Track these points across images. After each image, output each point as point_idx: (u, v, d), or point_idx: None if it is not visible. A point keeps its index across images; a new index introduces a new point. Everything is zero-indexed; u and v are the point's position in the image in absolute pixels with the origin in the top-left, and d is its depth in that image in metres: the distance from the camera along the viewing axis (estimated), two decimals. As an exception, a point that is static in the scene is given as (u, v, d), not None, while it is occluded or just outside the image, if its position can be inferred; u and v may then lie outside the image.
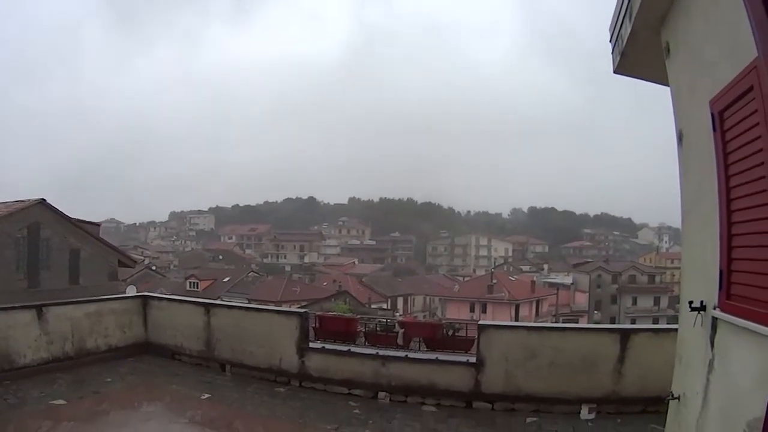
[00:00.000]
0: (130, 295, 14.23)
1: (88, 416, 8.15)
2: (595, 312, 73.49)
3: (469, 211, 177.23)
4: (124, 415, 8.38)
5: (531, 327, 9.77)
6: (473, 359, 8.86)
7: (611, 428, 7.52)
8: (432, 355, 9.52)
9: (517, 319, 53.33)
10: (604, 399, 8.12)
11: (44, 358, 10.36)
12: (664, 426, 5.98)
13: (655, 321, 60.27)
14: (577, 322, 55.30)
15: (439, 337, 10.21)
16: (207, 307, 11.64)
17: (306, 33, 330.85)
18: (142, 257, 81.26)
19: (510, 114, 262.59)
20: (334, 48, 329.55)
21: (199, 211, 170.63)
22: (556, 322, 52.16)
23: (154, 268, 76.39)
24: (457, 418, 8.16)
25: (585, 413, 7.95)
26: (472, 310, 62.20)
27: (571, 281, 79.23)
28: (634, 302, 76.33)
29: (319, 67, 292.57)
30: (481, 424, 7.88)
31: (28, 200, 23.38)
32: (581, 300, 76.67)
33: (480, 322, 9.36)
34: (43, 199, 23.25)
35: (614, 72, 6.62)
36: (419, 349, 10.27)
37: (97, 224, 28.23)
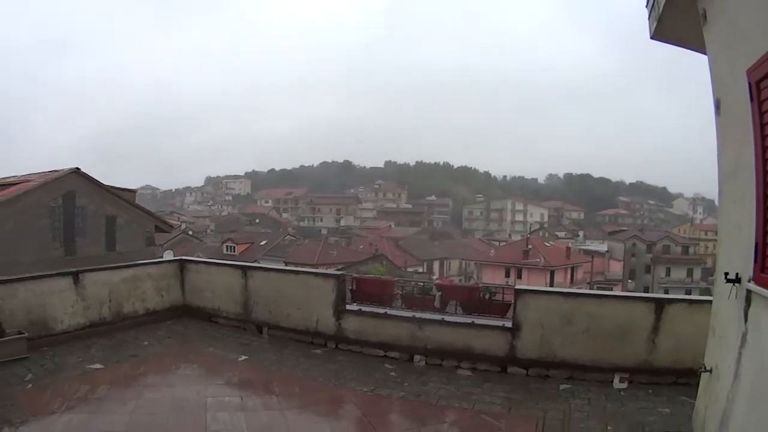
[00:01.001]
0: (167, 259, 14.42)
1: (125, 380, 8.34)
2: (629, 281, 72.81)
3: (505, 176, 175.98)
4: (161, 378, 8.55)
5: (567, 293, 9.61)
6: (509, 324, 8.83)
7: (643, 399, 7.40)
8: (468, 319, 9.47)
9: (551, 286, 52.58)
10: (637, 369, 8.01)
11: (81, 323, 10.59)
12: (695, 399, 5.98)
13: (688, 293, 58.91)
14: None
15: (475, 300, 10.14)
16: (244, 269, 11.74)
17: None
18: (179, 222, 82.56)
19: (546, 79, 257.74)
20: (367, 10, 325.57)
21: (235, 176, 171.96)
22: (590, 290, 51.65)
23: (190, 232, 77.39)
24: (492, 382, 8.14)
25: (617, 382, 7.88)
26: (507, 275, 61.80)
27: (606, 249, 78.42)
28: (668, 273, 75.32)
29: (352, 31, 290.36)
30: (515, 389, 7.84)
31: (63, 170, 23.67)
32: (616, 268, 76.06)
33: (517, 287, 9.27)
34: (77, 168, 23.48)
35: (651, 38, 6.43)
36: (456, 313, 10.20)
37: (133, 191, 28.48)
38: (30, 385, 7.98)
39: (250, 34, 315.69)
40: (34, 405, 7.19)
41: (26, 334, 9.35)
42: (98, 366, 8.89)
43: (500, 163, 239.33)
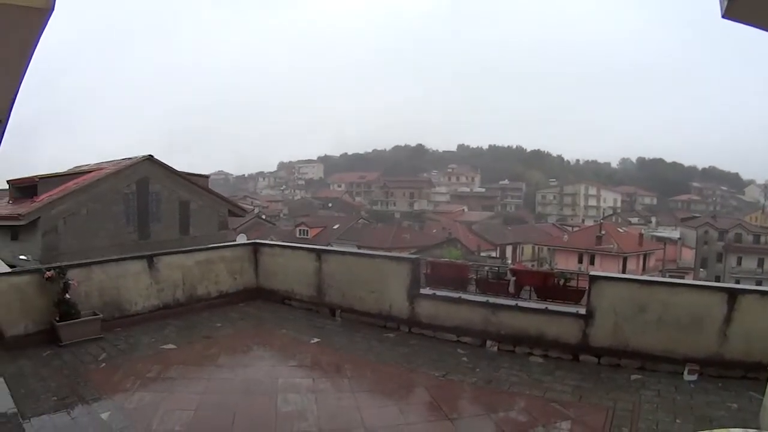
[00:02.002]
0: (240, 242, 14.65)
1: (197, 359, 8.53)
2: (701, 270, 69.93)
3: (578, 160, 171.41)
4: (233, 359, 8.68)
5: (641, 280, 9.21)
6: (582, 311, 8.60)
7: (712, 392, 7.08)
8: (542, 305, 9.27)
9: (624, 273, 51.42)
10: (707, 361, 7.66)
11: (155, 305, 10.93)
12: (763, 395, 5.69)
13: (758, 284, 56.19)
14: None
15: (549, 286, 9.91)
16: (318, 253, 11.80)
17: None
18: (252, 206, 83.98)
19: (618, 60, 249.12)
20: None
21: (308, 161, 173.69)
22: (663, 277, 50.10)
23: (263, 216, 78.51)
24: (563, 370, 7.98)
25: (687, 374, 7.55)
26: (580, 261, 60.87)
27: (678, 236, 75.68)
28: (739, 262, 71.44)
29: (424, 13, 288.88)
30: (586, 378, 7.65)
31: (136, 157, 24.44)
32: (687, 256, 73.13)
33: (591, 273, 8.98)
34: (150, 155, 24.25)
35: (723, 17, 5.94)
36: (529, 298, 10.00)
37: (206, 176, 29.18)
38: (103, 364, 8.27)
39: (322, 18, 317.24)
40: (107, 383, 7.44)
41: (101, 315, 9.70)
42: (171, 346, 9.14)
43: (573, 147, 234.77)
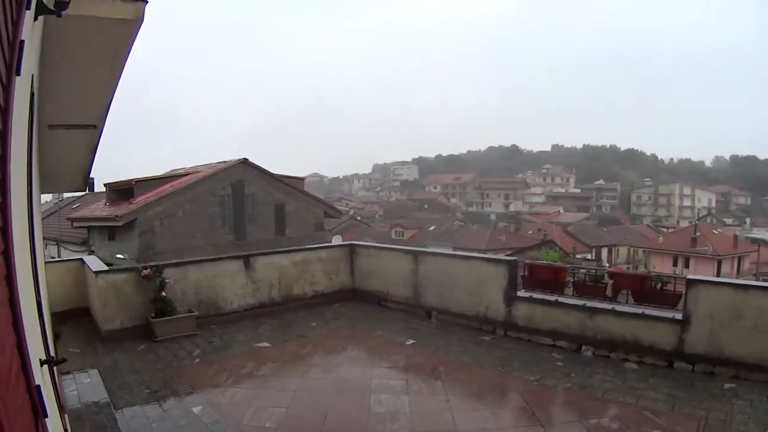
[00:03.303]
0: (337, 243, 14.79)
1: (291, 358, 8.65)
2: None
3: (671, 158, 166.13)
4: (327, 358, 8.75)
5: (738, 284, 8.68)
6: (679, 316, 8.25)
7: None
8: (638, 309, 8.94)
9: (718, 276, 49.07)
10: None
11: (250, 303, 11.24)
12: None
13: None
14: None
15: (646, 290, 9.49)
16: (415, 254, 11.79)
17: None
18: (347, 208, 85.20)
19: (705, 52, 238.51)
20: None
21: (403, 162, 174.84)
22: (756, 281, 47.38)
23: (359, 218, 79.66)
24: (657, 377, 7.71)
25: None
26: (675, 263, 58.59)
27: None
28: None
29: (515, 11, 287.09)
30: (680, 386, 7.35)
31: (231, 160, 25.19)
32: None
33: (688, 276, 8.60)
34: (245, 158, 24.97)
35: None
36: (626, 302, 9.63)
37: (302, 179, 29.80)
38: (198, 360, 8.53)
39: (412, 18, 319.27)
40: (201, 378, 7.64)
41: (196, 313, 10.03)
42: (265, 344, 9.30)
43: (666, 144, 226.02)
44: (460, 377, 7.81)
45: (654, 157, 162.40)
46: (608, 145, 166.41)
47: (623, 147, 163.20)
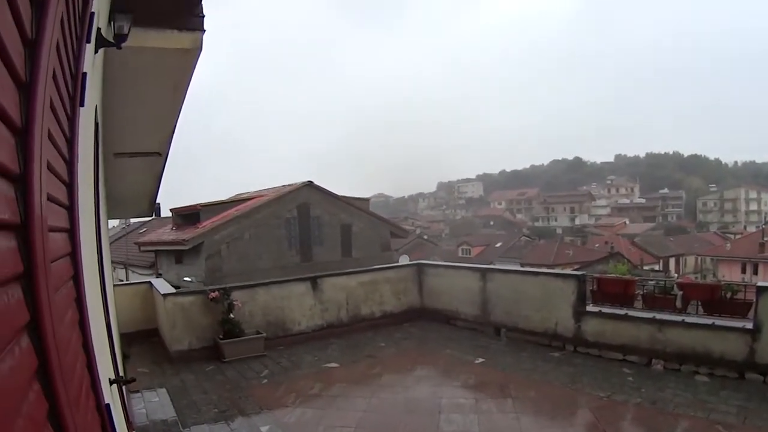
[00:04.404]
0: (405, 263, 14.86)
1: (360, 378, 8.69)
2: None
3: (735, 162, 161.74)
4: (396, 378, 8.72)
5: None
6: (749, 325, 8.01)
7: None
8: (708, 320, 8.71)
9: None
10: None
11: (318, 324, 11.39)
12: None
13: None
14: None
15: (716, 299, 9.21)
16: (483, 272, 11.76)
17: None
18: (413, 227, 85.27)
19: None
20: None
21: (467, 180, 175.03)
22: None
23: (425, 237, 79.61)
24: (728, 390, 7.52)
25: None
26: (743, 270, 56.27)
27: None
28: None
29: (566, 22, 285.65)
30: (751, 397, 7.16)
31: (296, 183, 25.55)
32: None
33: (759, 284, 8.28)
34: (310, 181, 25.28)
35: None
36: (696, 313, 9.37)
37: (367, 200, 30.00)
38: (266, 380, 8.66)
39: (471, 35, 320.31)
40: (269, 398, 7.76)
41: (264, 334, 10.22)
42: (334, 365, 9.38)
43: (729, 148, 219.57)
44: (530, 395, 7.71)
45: (718, 161, 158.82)
46: (671, 152, 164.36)
47: (686, 153, 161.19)
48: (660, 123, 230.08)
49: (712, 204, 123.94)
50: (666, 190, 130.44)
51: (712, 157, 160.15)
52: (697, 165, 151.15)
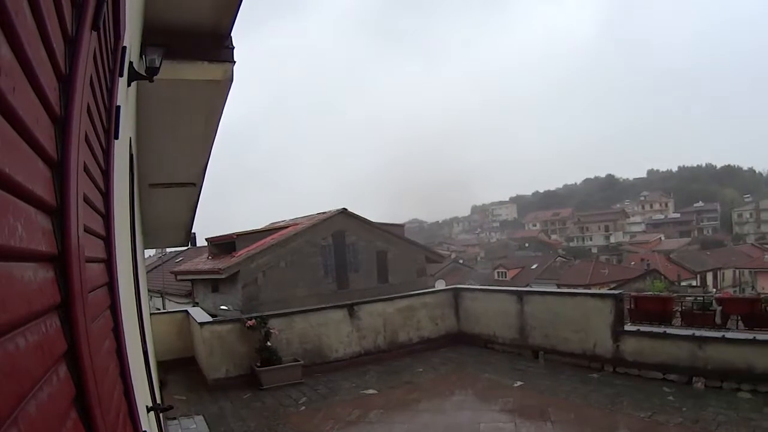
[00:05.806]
0: (441, 288, 14.86)
1: (398, 404, 8.65)
2: None
3: None
4: (435, 404, 8.67)
5: None
6: None
7: None
8: (749, 335, 8.58)
9: None
10: None
11: (355, 351, 11.40)
12: None
13: None
14: None
15: (757, 313, 9.03)
16: (519, 294, 11.74)
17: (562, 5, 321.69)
18: (449, 252, 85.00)
19: None
20: (592, 15, 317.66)
21: (500, 202, 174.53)
22: None
23: (461, 261, 79.30)
24: None
25: None
26: None
27: None
28: None
29: (591, 40, 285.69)
30: None
31: (330, 211, 25.73)
32: None
33: None
34: (344, 208, 25.47)
35: None
36: (736, 328, 9.19)
37: (401, 225, 30.09)
38: (303, 407, 8.67)
39: (498, 59, 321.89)
40: (306, 425, 7.77)
41: (301, 362, 10.24)
42: (372, 391, 9.36)
43: (763, 156, 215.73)
44: (570, 418, 7.60)
45: (752, 171, 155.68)
46: (704, 164, 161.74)
47: (719, 164, 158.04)
48: (691, 134, 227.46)
49: (747, 215, 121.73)
50: (700, 203, 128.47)
51: (745, 167, 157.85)
52: (731, 175, 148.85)
